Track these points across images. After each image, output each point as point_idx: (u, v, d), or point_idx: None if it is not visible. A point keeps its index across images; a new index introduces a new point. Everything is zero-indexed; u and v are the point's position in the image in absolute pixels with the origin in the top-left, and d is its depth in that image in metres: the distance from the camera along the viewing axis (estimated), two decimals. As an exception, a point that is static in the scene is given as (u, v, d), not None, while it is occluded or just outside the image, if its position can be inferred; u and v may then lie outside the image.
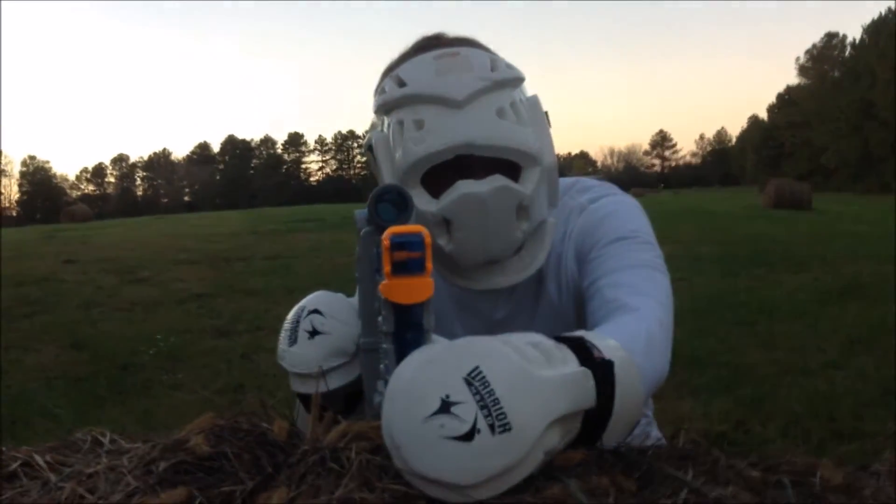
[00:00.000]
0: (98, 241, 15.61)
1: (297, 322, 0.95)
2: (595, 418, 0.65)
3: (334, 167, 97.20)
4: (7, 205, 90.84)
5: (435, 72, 1.00)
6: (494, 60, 1.03)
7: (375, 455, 0.61)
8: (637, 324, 0.96)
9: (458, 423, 0.55)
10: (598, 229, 1.13)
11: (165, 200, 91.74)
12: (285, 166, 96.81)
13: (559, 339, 0.69)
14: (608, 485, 0.60)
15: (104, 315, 7.24)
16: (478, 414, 0.56)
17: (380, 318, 0.73)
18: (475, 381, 0.57)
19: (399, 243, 0.66)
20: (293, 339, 0.94)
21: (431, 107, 0.99)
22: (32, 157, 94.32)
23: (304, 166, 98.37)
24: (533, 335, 0.67)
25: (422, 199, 0.99)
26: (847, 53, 54.46)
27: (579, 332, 0.75)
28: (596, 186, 1.20)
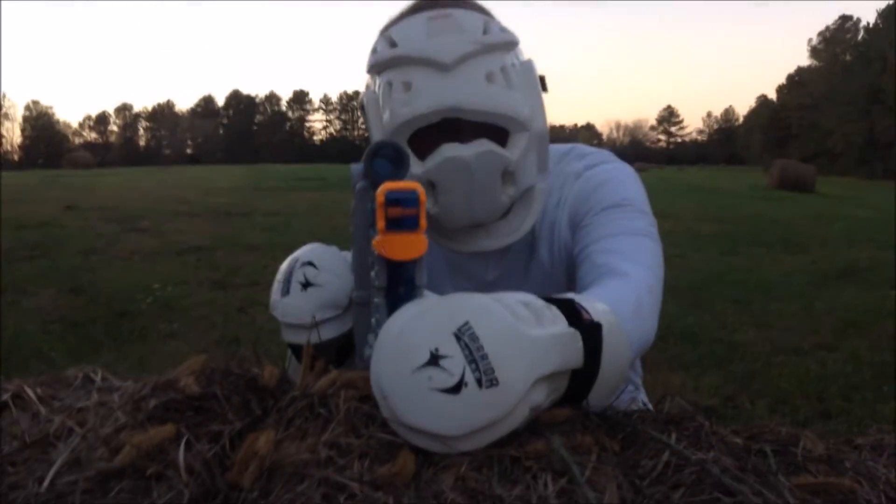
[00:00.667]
0: (99, 189, 15.61)
1: (290, 273, 0.95)
2: (581, 379, 0.66)
3: (338, 127, 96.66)
4: (9, 148, 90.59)
5: (426, 34, 0.99)
6: (488, 23, 1.02)
7: (363, 404, 0.62)
8: (626, 289, 0.97)
9: (445, 375, 0.56)
10: (593, 196, 1.13)
11: (168, 152, 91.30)
12: (289, 124, 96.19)
13: (550, 299, 0.70)
14: (591, 443, 0.61)
15: (103, 262, 7.25)
16: (466, 368, 0.56)
17: (373, 273, 0.73)
18: (464, 335, 0.58)
19: (394, 199, 0.66)
20: (286, 290, 0.94)
21: (420, 69, 0.99)
22: (36, 102, 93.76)
23: (307, 125, 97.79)
24: (524, 295, 0.67)
25: None
26: (860, 37, 53.89)
27: (569, 294, 0.75)
28: (592, 153, 1.20)
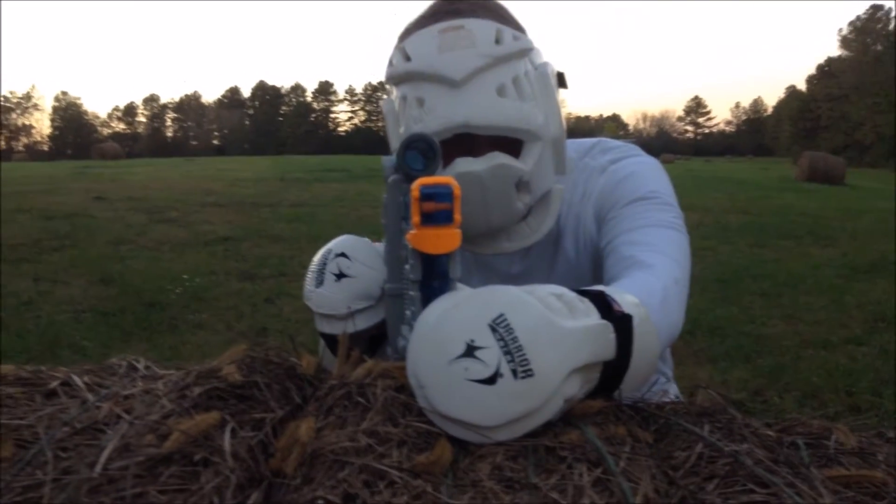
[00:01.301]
0: (128, 180, 15.77)
1: (323, 264, 0.97)
2: (612, 370, 0.67)
3: (363, 118, 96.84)
4: (39, 139, 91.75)
5: (437, 48, 1.00)
6: (501, 31, 1.02)
7: (399, 393, 0.63)
8: (653, 280, 0.97)
9: (481, 366, 0.57)
10: (618, 190, 1.13)
11: (195, 143, 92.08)
12: (314, 115, 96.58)
13: (580, 291, 0.70)
14: (625, 434, 0.62)
15: (132, 252, 7.34)
16: (501, 359, 0.57)
17: (407, 266, 0.74)
18: (500, 327, 0.59)
19: (428, 194, 0.67)
20: (320, 281, 0.96)
21: (432, 85, 1.00)
22: (65, 93, 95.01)
23: (332, 116, 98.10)
24: (556, 287, 0.68)
25: None
26: (891, 27, 53.00)
27: (599, 287, 0.76)
28: (618, 147, 1.20)
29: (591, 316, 0.66)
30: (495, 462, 0.56)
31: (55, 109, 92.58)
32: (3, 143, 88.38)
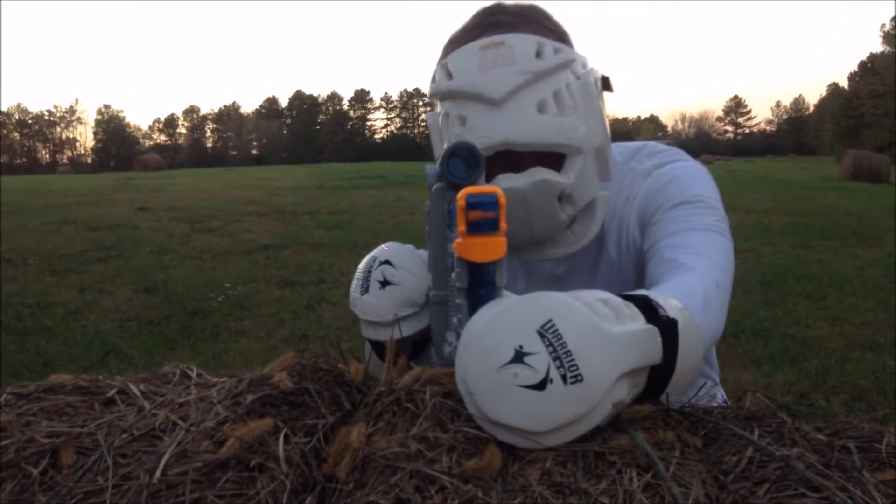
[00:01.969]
0: (169, 190, 16.02)
1: (368, 272, 0.98)
2: (658, 374, 0.67)
3: (399, 125, 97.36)
4: (82, 152, 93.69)
5: (478, 66, 1.01)
6: (541, 45, 1.01)
7: (447, 399, 0.64)
8: (694, 283, 0.96)
9: (531, 372, 0.58)
10: (662, 194, 1.12)
11: (234, 153, 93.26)
12: (350, 123, 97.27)
13: (625, 297, 0.71)
14: (674, 439, 0.62)
15: (175, 262, 7.46)
16: (550, 364, 0.58)
17: (453, 275, 0.75)
18: (548, 333, 0.59)
19: (474, 203, 0.68)
20: (365, 288, 0.97)
21: (473, 104, 1.01)
22: (107, 107, 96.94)
23: (369, 123, 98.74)
24: (602, 292, 0.68)
25: None
26: (937, 20, 51.83)
27: (643, 291, 0.76)
28: (663, 151, 1.20)
29: (637, 321, 0.66)
30: (545, 467, 0.56)
31: (98, 122, 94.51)
32: (48, 156, 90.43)
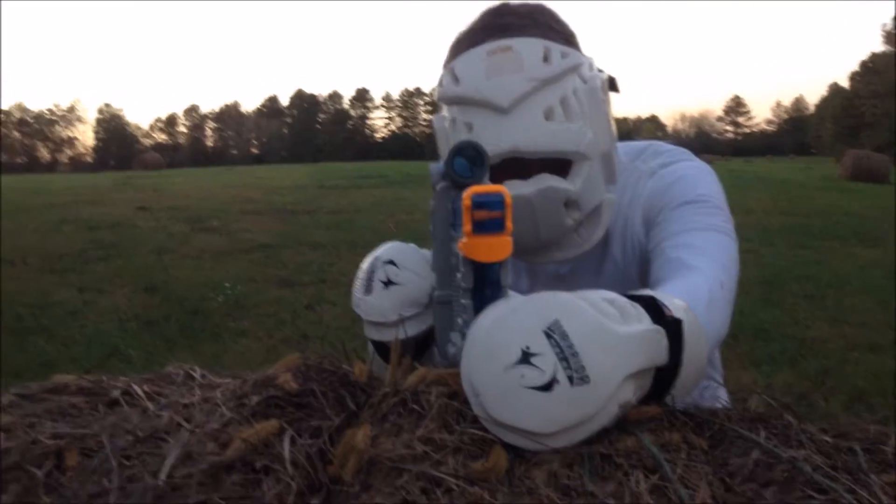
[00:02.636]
0: (169, 190, 16.03)
1: (371, 272, 0.97)
2: (663, 375, 0.66)
3: (399, 124, 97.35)
4: (82, 151, 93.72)
5: (485, 72, 1.00)
6: (549, 50, 1.01)
7: (453, 400, 0.63)
8: (699, 283, 0.96)
9: (537, 373, 0.57)
10: (667, 193, 1.12)
11: (234, 152, 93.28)
12: (351, 122, 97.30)
13: (631, 296, 0.70)
14: (680, 441, 0.62)
15: (175, 261, 7.46)
16: (557, 365, 0.57)
17: (459, 275, 0.75)
18: (555, 333, 0.59)
19: (480, 203, 0.68)
20: (368, 289, 0.96)
21: (480, 110, 1.00)
22: (107, 105, 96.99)
23: (369, 122, 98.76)
24: (607, 292, 0.68)
25: None
26: (938, 21, 51.82)
27: (649, 291, 0.76)
28: (668, 151, 1.20)
29: (643, 321, 0.66)
30: (551, 469, 0.56)
31: (98, 121, 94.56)
32: (48, 154, 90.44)
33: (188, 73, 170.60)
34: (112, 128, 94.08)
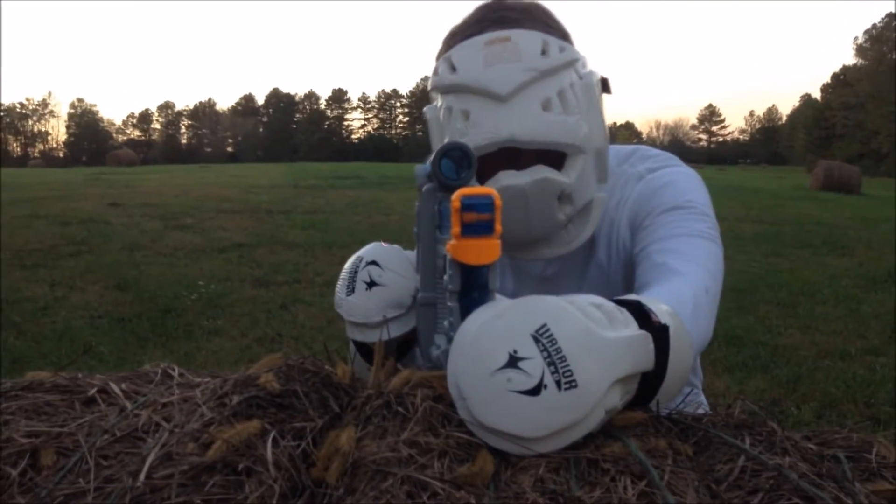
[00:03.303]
0: (142, 186, 15.86)
1: (354, 272, 0.96)
2: (649, 380, 0.66)
3: (376, 126, 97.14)
4: (54, 146, 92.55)
5: (483, 61, 1.00)
6: (547, 43, 1.01)
7: (438, 403, 0.63)
8: (684, 289, 0.97)
9: (525, 377, 0.57)
10: (654, 198, 1.13)
11: (209, 150, 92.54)
12: (327, 122, 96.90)
13: (618, 301, 0.70)
14: (665, 447, 0.62)
15: (148, 259, 7.37)
16: (545, 370, 0.57)
17: (446, 277, 0.74)
18: (543, 338, 0.58)
19: (469, 205, 0.67)
20: (351, 289, 0.95)
21: (477, 98, 1.00)
22: (80, 100, 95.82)
23: (346, 123, 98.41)
24: (595, 297, 0.68)
25: None
26: (908, 35, 52.69)
27: (635, 296, 0.75)
28: (656, 156, 1.20)
29: (630, 326, 0.65)
30: (538, 474, 0.55)
31: (71, 116, 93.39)
32: (19, 149, 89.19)
33: (163, 69, 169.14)
34: (85, 123, 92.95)
